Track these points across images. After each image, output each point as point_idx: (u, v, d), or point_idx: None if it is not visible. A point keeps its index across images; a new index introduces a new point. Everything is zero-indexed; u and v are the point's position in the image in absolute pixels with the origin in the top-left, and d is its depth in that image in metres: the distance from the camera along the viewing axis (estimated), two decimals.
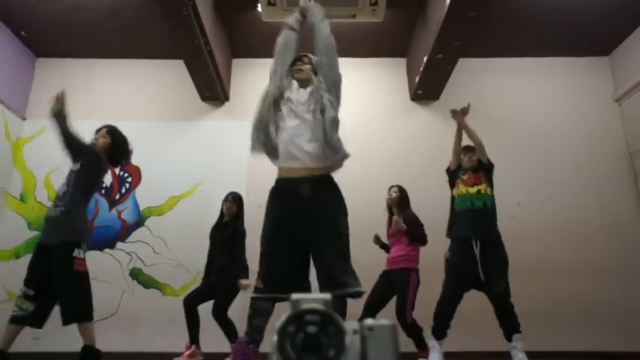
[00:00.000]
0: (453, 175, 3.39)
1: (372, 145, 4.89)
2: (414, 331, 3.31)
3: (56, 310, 2.62)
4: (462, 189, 3.22)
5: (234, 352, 2.06)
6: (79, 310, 2.59)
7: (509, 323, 2.95)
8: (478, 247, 2.98)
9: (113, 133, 2.90)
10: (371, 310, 3.38)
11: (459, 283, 3.05)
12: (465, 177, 3.26)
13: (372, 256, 3.62)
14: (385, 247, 3.70)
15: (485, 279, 2.95)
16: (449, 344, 3.12)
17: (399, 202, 3.63)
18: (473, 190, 3.16)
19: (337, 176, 2.15)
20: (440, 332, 3.01)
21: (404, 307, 3.30)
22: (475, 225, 3.05)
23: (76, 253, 2.58)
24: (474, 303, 3.16)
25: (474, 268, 2.96)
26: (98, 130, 2.90)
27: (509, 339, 2.94)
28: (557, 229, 4.59)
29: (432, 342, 3.03)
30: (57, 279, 2.57)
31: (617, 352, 4.15)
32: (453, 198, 3.31)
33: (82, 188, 2.69)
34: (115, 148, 2.87)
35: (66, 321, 2.55)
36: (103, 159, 2.83)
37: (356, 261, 2.02)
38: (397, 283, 3.39)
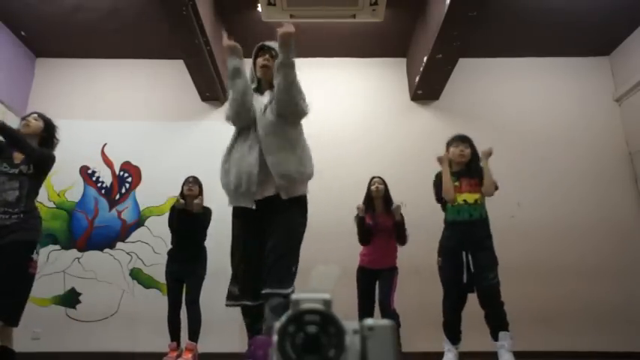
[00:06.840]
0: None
1: (372, 145, 4.88)
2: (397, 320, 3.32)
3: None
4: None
5: (254, 345, 2.03)
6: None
7: (497, 320, 2.73)
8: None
9: (44, 117, 2.86)
10: (369, 311, 3.39)
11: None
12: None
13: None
14: (364, 227, 3.57)
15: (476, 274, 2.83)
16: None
17: (385, 193, 3.61)
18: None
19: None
20: (452, 337, 2.94)
21: (389, 303, 3.35)
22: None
23: (34, 255, 2.57)
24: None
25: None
26: (26, 117, 2.82)
27: (495, 337, 2.72)
28: (556, 229, 4.59)
29: (447, 346, 2.98)
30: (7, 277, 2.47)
31: (618, 352, 4.15)
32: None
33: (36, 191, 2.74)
34: (47, 132, 2.83)
35: None
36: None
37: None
38: (382, 281, 3.45)
